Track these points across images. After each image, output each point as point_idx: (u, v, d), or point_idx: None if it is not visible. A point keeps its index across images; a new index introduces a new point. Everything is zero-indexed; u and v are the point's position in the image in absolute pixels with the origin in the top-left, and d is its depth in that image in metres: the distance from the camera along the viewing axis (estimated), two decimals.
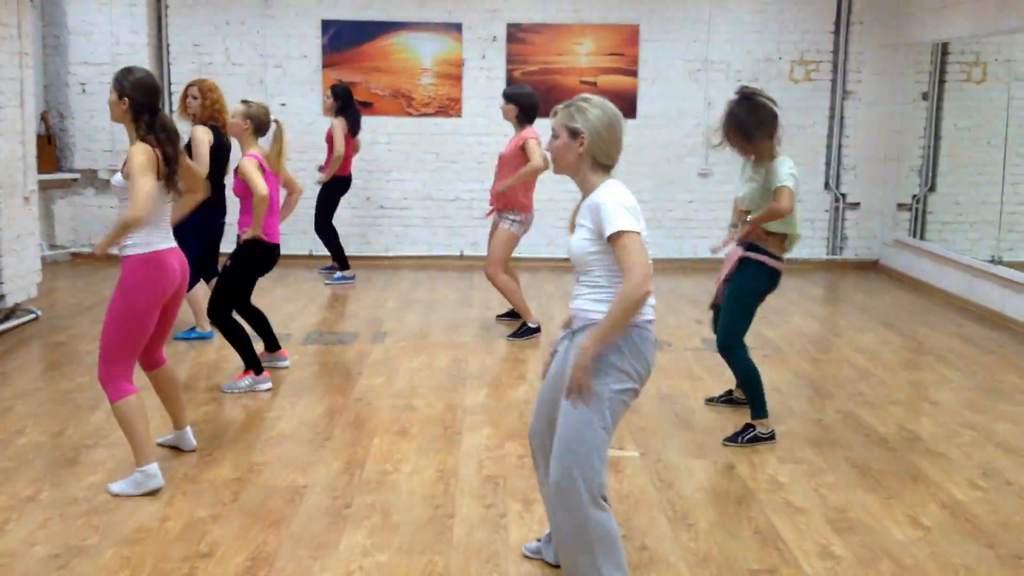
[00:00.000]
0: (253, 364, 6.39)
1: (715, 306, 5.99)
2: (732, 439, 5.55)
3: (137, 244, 4.64)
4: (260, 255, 6.38)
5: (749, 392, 5.61)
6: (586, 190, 3.64)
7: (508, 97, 7.99)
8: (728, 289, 5.61)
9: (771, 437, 5.55)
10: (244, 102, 6.33)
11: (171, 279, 4.73)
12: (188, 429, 5.25)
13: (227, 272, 6.41)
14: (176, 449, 5.24)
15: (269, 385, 6.40)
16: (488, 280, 8.08)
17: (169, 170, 4.70)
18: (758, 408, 5.57)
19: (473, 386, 6.58)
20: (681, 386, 6.63)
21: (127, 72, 4.71)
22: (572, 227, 3.73)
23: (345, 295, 9.59)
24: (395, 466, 5.12)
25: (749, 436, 5.53)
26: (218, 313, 6.38)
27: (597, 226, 3.52)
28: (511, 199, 7.80)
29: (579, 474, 3.50)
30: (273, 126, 6.36)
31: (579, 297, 3.68)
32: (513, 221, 7.86)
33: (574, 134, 3.58)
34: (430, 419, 5.89)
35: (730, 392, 6.26)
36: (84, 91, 10.81)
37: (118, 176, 4.74)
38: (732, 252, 5.65)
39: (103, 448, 5.29)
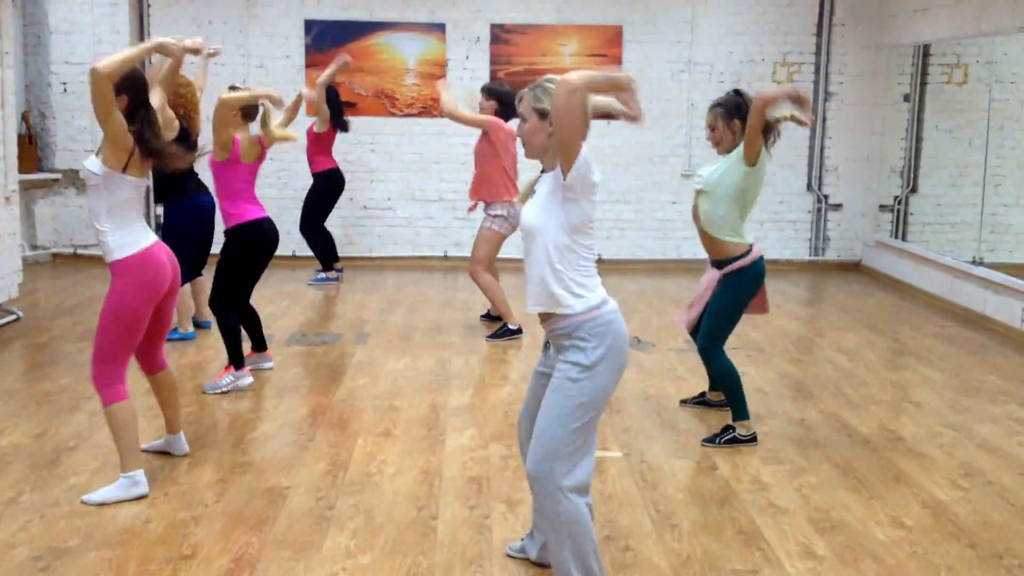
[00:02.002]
0: (236, 361, 6.38)
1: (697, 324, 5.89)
2: (711, 440, 5.56)
3: (121, 247, 4.57)
4: (247, 238, 6.38)
5: (729, 395, 5.59)
6: (551, 167, 3.61)
7: (488, 92, 8.01)
8: (715, 294, 5.56)
9: (752, 440, 5.55)
10: (232, 88, 6.41)
11: (163, 275, 4.66)
12: (181, 434, 5.21)
13: (222, 264, 6.44)
14: (164, 454, 5.19)
15: (250, 380, 6.40)
16: (471, 279, 8.08)
17: (152, 163, 4.66)
18: (739, 410, 5.56)
19: (457, 387, 6.58)
20: (664, 387, 6.64)
21: None
22: (524, 198, 3.71)
23: (329, 296, 9.57)
24: (379, 467, 5.12)
25: (728, 438, 5.53)
26: (217, 305, 6.41)
27: (555, 179, 3.51)
28: (494, 190, 7.80)
29: (551, 465, 3.52)
30: (261, 110, 6.44)
31: (533, 294, 3.65)
32: (496, 217, 7.84)
33: (543, 115, 3.54)
34: (414, 420, 5.89)
35: (703, 394, 6.24)
36: (66, 91, 10.75)
37: (92, 160, 4.60)
38: (710, 277, 5.62)
39: (85, 449, 5.26)
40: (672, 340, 7.84)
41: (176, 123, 6.71)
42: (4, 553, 4.07)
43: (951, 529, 4.51)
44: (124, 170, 4.55)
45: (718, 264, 5.55)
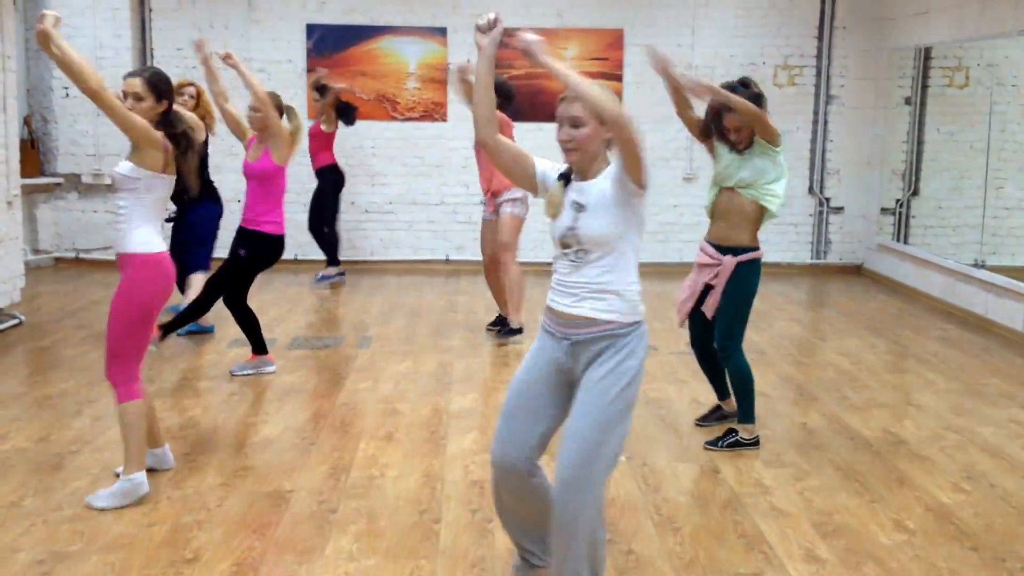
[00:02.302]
0: (167, 331, 6.46)
1: (693, 313, 5.83)
2: (713, 443, 5.55)
3: (145, 243, 4.58)
4: (262, 247, 6.54)
5: (740, 395, 5.54)
6: (596, 171, 3.47)
7: None
8: (726, 293, 5.50)
9: (755, 443, 5.54)
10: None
11: (170, 280, 4.73)
12: (167, 447, 5.06)
13: (237, 259, 6.55)
14: (152, 471, 4.93)
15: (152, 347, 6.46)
16: (499, 266, 7.94)
17: (179, 164, 4.67)
18: (746, 413, 5.53)
19: (459, 390, 6.58)
20: (666, 390, 6.64)
21: (156, 73, 4.66)
22: (555, 212, 3.50)
23: (331, 300, 9.57)
24: (381, 471, 5.12)
25: (730, 441, 5.52)
26: (212, 286, 6.58)
27: (617, 187, 3.39)
28: (503, 181, 7.77)
29: (589, 472, 3.37)
30: (287, 112, 6.71)
31: (579, 291, 3.49)
32: (511, 201, 7.84)
33: (603, 120, 3.34)
34: (416, 424, 5.89)
35: (718, 408, 6.00)
36: (68, 95, 10.75)
37: (124, 164, 4.60)
38: (726, 263, 5.52)
39: (87, 454, 5.26)
40: (674, 344, 7.84)
41: (203, 127, 6.88)
42: (7, 557, 4.07)
43: (954, 532, 4.51)
44: (164, 170, 4.61)
45: (735, 251, 5.46)
